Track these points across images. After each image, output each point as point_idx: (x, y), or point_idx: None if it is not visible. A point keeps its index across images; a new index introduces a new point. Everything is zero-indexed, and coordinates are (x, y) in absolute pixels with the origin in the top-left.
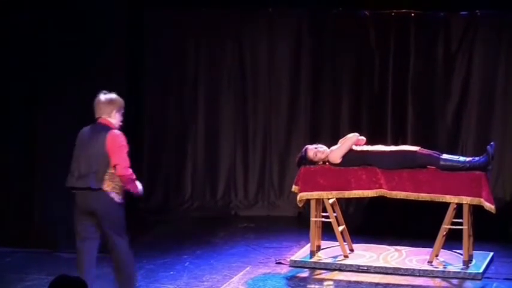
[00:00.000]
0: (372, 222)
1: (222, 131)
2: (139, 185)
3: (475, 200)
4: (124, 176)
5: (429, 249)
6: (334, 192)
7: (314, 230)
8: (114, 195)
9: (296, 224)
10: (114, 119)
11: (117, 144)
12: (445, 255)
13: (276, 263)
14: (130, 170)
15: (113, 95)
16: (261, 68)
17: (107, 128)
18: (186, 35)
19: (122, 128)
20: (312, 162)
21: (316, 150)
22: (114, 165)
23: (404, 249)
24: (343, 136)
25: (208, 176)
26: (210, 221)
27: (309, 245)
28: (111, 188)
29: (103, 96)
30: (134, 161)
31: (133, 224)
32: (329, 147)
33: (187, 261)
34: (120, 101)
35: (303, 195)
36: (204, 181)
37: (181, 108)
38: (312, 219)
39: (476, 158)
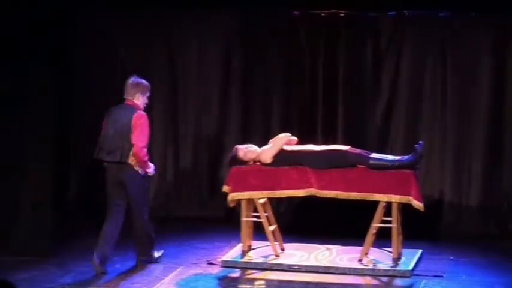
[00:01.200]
0: (303, 222)
1: (153, 132)
2: (151, 166)
3: (404, 199)
4: (137, 155)
5: (359, 248)
6: (265, 192)
7: (245, 230)
8: (139, 168)
9: (227, 224)
10: (138, 100)
11: (138, 124)
12: (375, 254)
13: (208, 264)
14: (145, 151)
15: (139, 80)
16: (192, 69)
17: (132, 108)
18: (117, 36)
19: (146, 110)
20: (243, 162)
21: (246, 150)
22: (133, 144)
23: (335, 248)
24: (274, 136)
25: None
26: None
27: (240, 245)
28: (135, 162)
29: (130, 80)
30: (64, 161)
31: (63, 226)
32: (260, 147)
33: (117, 263)
34: (145, 85)
35: (234, 195)
36: None
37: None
38: (243, 219)
39: (405, 157)
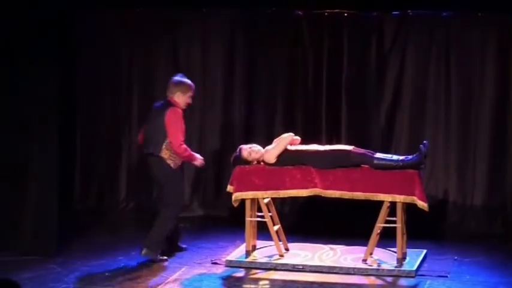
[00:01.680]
0: (307, 222)
1: None
2: (198, 158)
3: (408, 198)
4: (177, 153)
5: (364, 248)
6: (269, 192)
7: (249, 230)
8: (171, 161)
9: (231, 224)
10: (178, 99)
11: (172, 120)
12: (379, 253)
13: (212, 263)
14: (183, 147)
15: (182, 79)
16: (195, 68)
17: (171, 104)
18: (120, 36)
19: (186, 109)
20: (247, 162)
21: (250, 150)
22: (169, 141)
23: (339, 248)
24: (278, 136)
25: (143, 176)
26: (145, 222)
27: (244, 244)
28: (168, 155)
29: (174, 78)
30: (68, 162)
31: (68, 226)
32: (264, 147)
33: (122, 262)
34: (187, 85)
35: (238, 195)
36: (139, 181)
37: (116, 109)
38: (247, 219)
39: (410, 157)
